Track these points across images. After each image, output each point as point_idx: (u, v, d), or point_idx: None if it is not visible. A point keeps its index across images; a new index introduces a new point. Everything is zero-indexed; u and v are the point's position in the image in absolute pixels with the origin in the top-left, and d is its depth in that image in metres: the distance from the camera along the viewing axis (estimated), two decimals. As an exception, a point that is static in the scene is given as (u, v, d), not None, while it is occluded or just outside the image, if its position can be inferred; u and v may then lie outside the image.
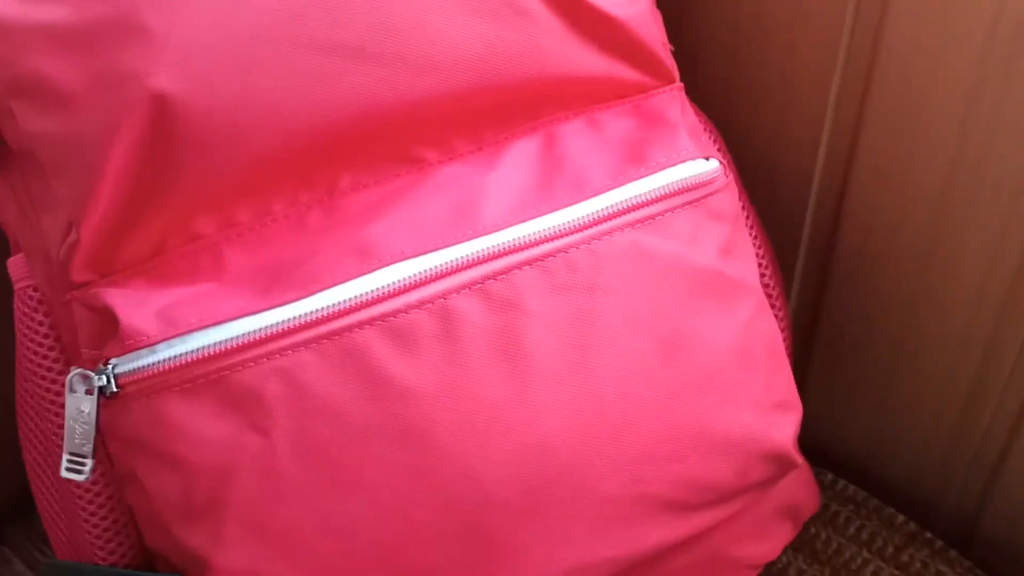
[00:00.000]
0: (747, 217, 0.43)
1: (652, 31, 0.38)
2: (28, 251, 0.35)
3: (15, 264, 0.36)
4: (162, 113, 0.31)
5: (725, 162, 0.40)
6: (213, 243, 0.34)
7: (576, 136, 0.37)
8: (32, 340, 0.36)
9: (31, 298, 0.36)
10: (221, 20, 0.32)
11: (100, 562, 0.37)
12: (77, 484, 0.35)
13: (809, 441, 0.52)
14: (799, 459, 0.39)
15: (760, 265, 0.42)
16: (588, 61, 0.36)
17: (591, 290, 0.34)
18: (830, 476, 0.54)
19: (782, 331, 0.44)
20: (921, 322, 0.47)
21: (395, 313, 0.33)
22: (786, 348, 0.43)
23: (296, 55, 0.33)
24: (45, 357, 0.36)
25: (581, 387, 0.34)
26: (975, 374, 0.47)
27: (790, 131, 0.47)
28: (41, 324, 0.36)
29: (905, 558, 0.51)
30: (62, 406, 0.35)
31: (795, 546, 0.51)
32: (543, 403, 0.33)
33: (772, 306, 0.43)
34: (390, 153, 0.35)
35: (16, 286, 0.36)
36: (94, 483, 0.35)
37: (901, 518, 0.52)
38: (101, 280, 0.34)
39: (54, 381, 0.36)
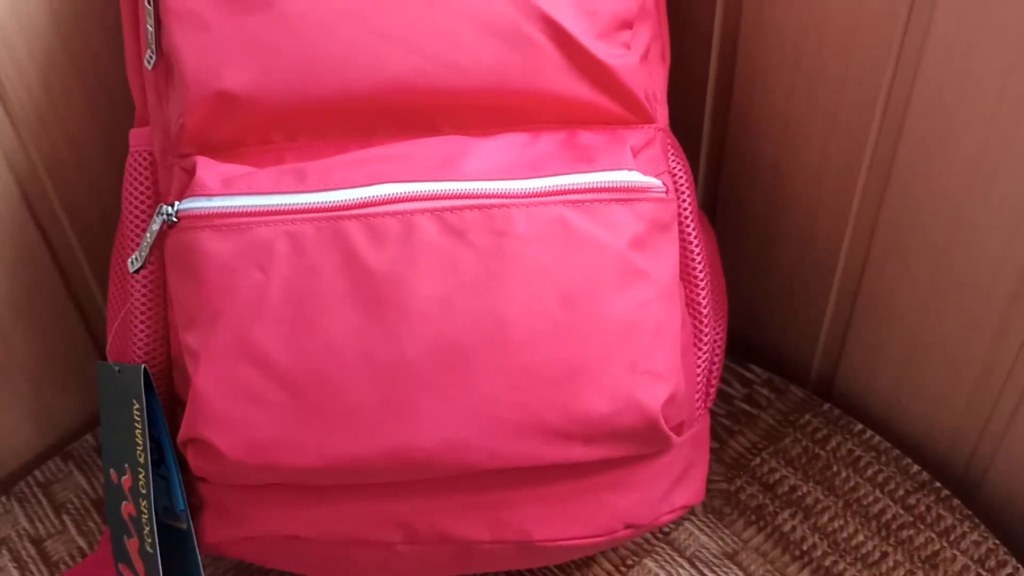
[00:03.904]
0: (696, 245, 0.53)
1: (638, 80, 0.50)
2: (155, 125, 0.51)
3: (135, 135, 0.51)
4: (266, 64, 0.46)
5: (675, 188, 0.51)
6: (278, 148, 0.48)
7: (554, 140, 0.49)
8: (137, 189, 0.51)
9: (144, 159, 0.51)
10: (317, 7, 0.46)
11: (137, 360, 0.51)
12: (133, 278, 0.49)
13: (846, 395, 0.69)
14: (667, 432, 0.48)
15: (696, 284, 0.53)
16: (577, 88, 0.49)
17: (518, 238, 0.46)
18: (859, 426, 0.66)
19: (701, 344, 0.53)
20: (940, 303, 0.58)
21: (375, 216, 0.46)
22: (700, 363, 0.53)
23: (361, 37, 0.46)
24: (143, 202, 0.51)
25: (491, 304, 0.45)
26: (986, 352, 0.57)
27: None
28: (147, 179, 0.51)
29: (912, 501, 0.61)
30: (143, 232, 0.50)
31: (817, 479, 0.63)
32: (460, 307, 0.45)
33: (699, 321, 0.53)
34: (417, 121, 0.48)
35: (132, 150, 0.51)
36: (143, 283, 0.50)
37: (916, 468, 0.63)
38: (197, 152, 0.48)
39: (143, 220, 0.51)
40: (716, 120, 0.65)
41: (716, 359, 0.56)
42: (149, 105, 0.51)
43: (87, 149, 0.61)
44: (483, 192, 0.46)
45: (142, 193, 0.51)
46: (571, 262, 0.46)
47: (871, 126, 0.55)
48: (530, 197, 0.46)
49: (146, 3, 0.48)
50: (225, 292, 0.45)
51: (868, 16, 0.52)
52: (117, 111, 0.61)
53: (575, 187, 0.47)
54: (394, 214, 0.46)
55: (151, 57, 0.49)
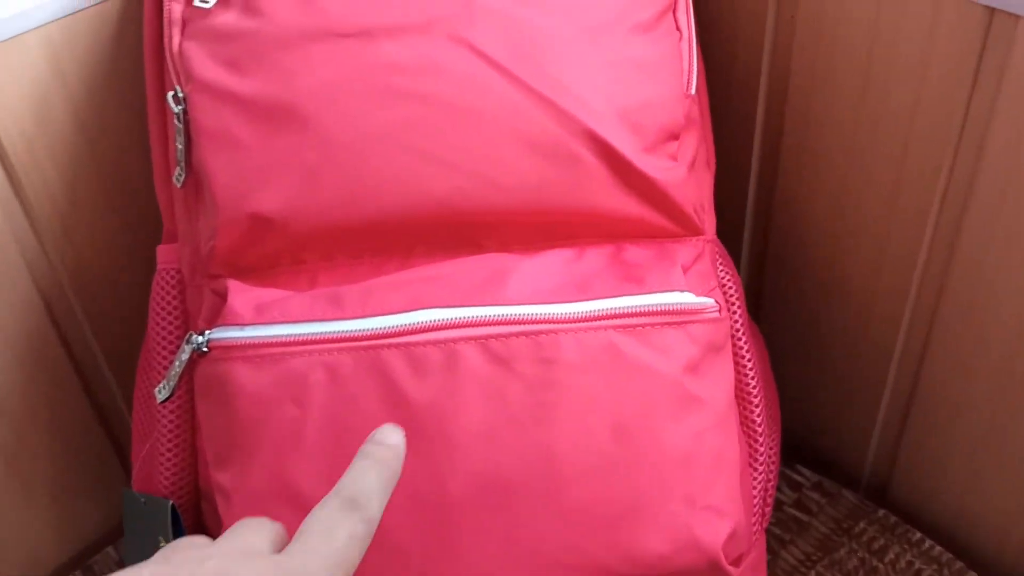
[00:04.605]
0: (748, 359, 0.50)
1: (686, 193, 0.47)
2: (183, 243, 0.49)
3: (162, 251, 0.49)
4: (301, 185, 0.44)
5: (728, 305, 0.48)
6: (312, 268, 0.46)
7: (601, 256, 0.47)
8: (164, 308, 0.49)
9: (172, 278, 0.49)
10: (357, 119, 0.44)
11: (163, 492, 0.49)
12: (160, 407, 0.47)
13: (901, 500, 0.65)
14: (728, 569, 0.45)
15: (750, 402, 0.50)
16: (625, 205, 0.46)
17: (567, 366, 0.43)
18: (918, 535, 0.62)
19: (757, 464, 0.50)
20: (1004, 408, 0.55)
21: (416, 344, 0.43)
22: (757, 485, 0.50)
23: (401, 158, 0.44)
24: (170, 323, 0.49)
25: (539, 438, 0.43)
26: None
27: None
28: (175, 298, 0.49)
29: (977, 619, 0.57)
30: (170, 355, 0.48)
31: (877, 595, 0.58)
32: (507, 441, 0.42)
33: (754, 440, 0.51)
34: (458, 239, 0.46)
35: (160, 267, 0.49)
36: (171, 412, 0.47)
37: (980, 582, 0.59)
38: (228, 274, 0.46)
39: (171, 341, 0.49)
40: (759, 214, 0.63)
41: (771, 477, 0.53)
42: (178, 222, 0.49)
43: (112, 260, 0.59)
44: (529, 317, 0.44)
45: (169, 313, 0.49)
46: (623, 391, 0.44)
47: (928, 220, 0.53)
48: (579, 322, 0.44)
49: (175, 120, 0.47)
50: (259, 427, 0.43)
51: (926, 108, 0.50)
52: (145, 222, 0.59)
53: (626, 311, 0.44)
54: (436, 343, 0.43)
55: (180, 174, 0.48)
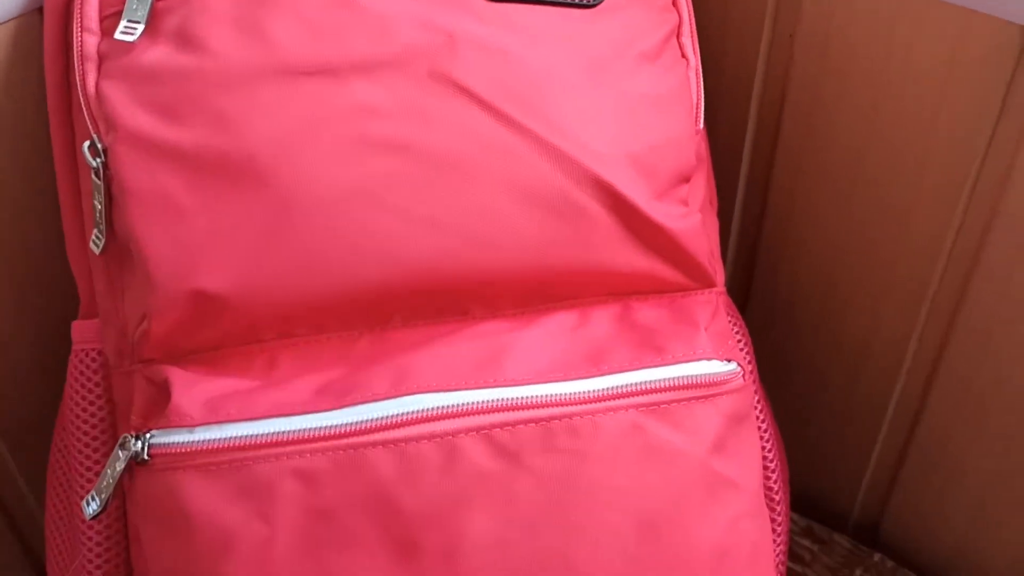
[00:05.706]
0: (762, 420, 0.45)
1: (699, 243, 0.42)
2: (106, 320, 0.40)
3: (79, 328, 0.41)
4: (256, 255, 0.36)
5: (747, 366, 0.43)
6: (270, 347, 0.39)
7: (608, 318, 0.40)
8: (84, 397, 0.40)
9: (93, 360, 0.41)
10: (322, 174, 0.37)
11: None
12: (87, 524, 0.39)
13: (898, 544, 0.60)
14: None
15: (766, 468, 0.44)
16: (634, 259, 0.40)
17: (584, 456, 0.37)
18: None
19: (777, 536, 0.45)
20: (1018, 448, 0.50)
21: (407, 440, 0.36)
22: (777, 556, 0.44)
23: (377, 219, 0.37)
24: (92, 415, 0.41)
25: (555, 542, 0.36)
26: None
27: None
28: (97, 384, 0.41)
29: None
30: (94, 453, 0.40)
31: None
32: (519, 549, 0.36)
33: (772, 510, 0.45)
34: (441, 306, 0.39)
35: (76, 347, 0.41)
36: (102, 530, 0.39)
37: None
38: (165, 359, 0.38)
39: (95, 437, 0.41)
40: (742, 250, 0.57)
41: (786, 543, 0.48)
42: (97, 295, 0.41)
43: (8, 333, 0.50)
44: (537, 400, 0.37)
45: (91, 403, 0.41)
46: (648, 481, 0.38)
47: (937, 263, 0.49)
48: (594, 402, 0.38)
49: (93, 175, 0.38)
50: (219, 553, 0.35)
51: (943, 138, 0.45)
52: (45, 290, 0.50)
53: (649, 386, 0.38)
54: (431, 436, 0.36)
55: (99, 239, 0.39)
